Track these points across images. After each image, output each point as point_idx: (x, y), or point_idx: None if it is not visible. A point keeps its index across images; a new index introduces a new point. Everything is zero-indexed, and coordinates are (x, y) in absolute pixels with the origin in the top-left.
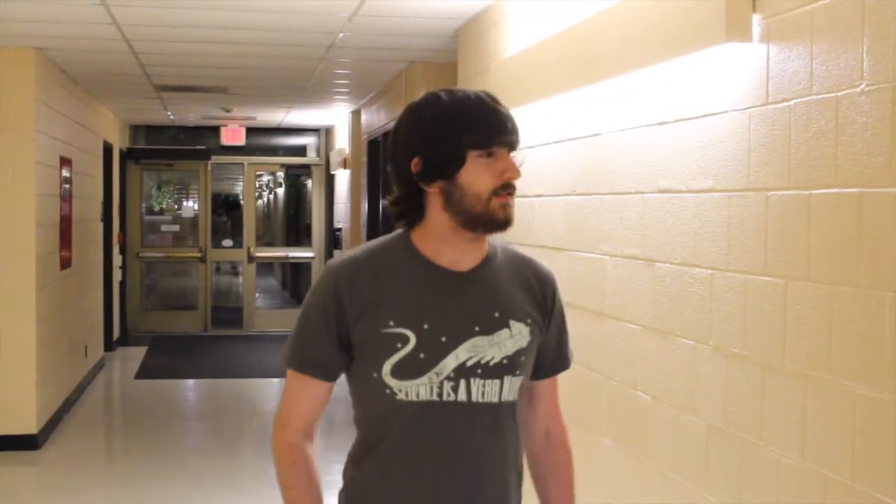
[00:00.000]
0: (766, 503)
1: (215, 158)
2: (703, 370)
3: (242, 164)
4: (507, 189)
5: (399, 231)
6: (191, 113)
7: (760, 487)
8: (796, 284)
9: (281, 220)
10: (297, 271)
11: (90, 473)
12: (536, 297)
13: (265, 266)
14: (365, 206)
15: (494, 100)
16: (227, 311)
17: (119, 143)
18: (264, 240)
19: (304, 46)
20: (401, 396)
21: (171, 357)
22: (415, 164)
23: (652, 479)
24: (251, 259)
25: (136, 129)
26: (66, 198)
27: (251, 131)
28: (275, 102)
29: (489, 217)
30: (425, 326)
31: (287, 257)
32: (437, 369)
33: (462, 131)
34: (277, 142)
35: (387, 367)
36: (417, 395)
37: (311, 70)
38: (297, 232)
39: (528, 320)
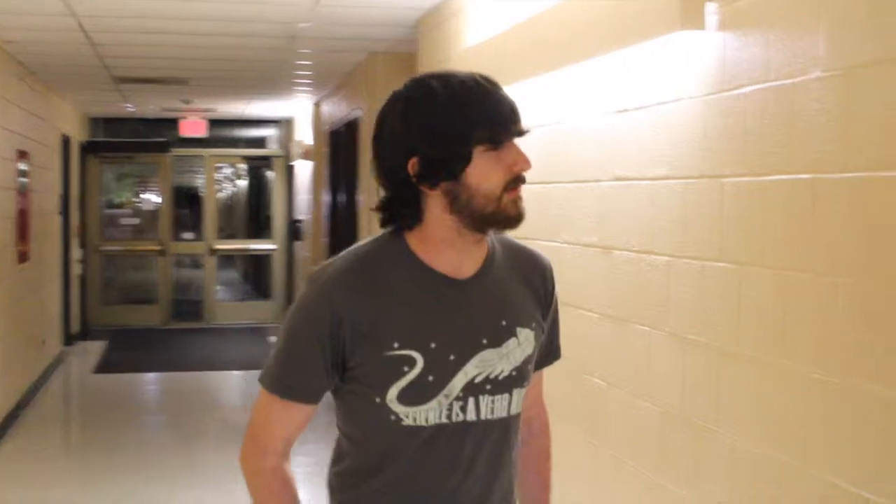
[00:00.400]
0: (721, 488)
1: (176, 150)
2: (660, 356)
3: (203, 156)
4: (518, 182)
5: (390, 233)
6: (151, 105)
7: (716, 473)
8: (752, 270)
9: (242, 212)
10: (259, 263)
11: (49, 469)
12: (538, 291)
13: (227, 258)
14: (326, 198)
15: (494, 84)
16: (188, 304)
17: (78, 135)
18: (226, 232)
19: (265, 37)
20: (408, 422)
21: (131, 350)
22: (412, 165)
23: (607, 465)
24: (212, 252)
25: (96, 122)
26: (24, 191)
27: (212, 123)
28: (236, 94)
29: (502, 215)
30: (432, 346)
31: (248, 249)
32: (446, 391)
33: (469, 127)
34: (238, 133)
35: (392, 392)
36: (426, 420)
37: (272, 61)
38: (258, 224)
39: (533, 324)
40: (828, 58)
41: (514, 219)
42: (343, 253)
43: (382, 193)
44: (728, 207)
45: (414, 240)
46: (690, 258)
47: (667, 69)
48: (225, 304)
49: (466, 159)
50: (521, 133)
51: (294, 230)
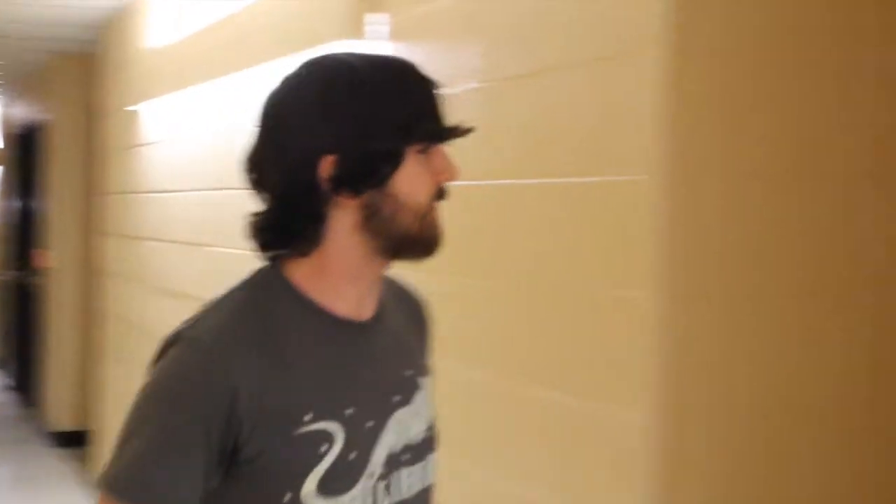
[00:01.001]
0: None
1: None
2: None
3: None
4: (442, 196)
5: (266, 269)
6: None
7: None
8: (425, 276)
9: None
10: None
11: None
12: (423, 331)
13: None
14: (12, 204)
15: (421, 68)
16: None
17: None
18: None
19: None
20: None
21: None
22: (326, 165)
23: None
24: None
25: None
26: None
27: None
28: None
29: (426, 238)
30: (349, 412)
31: None
32: (369, 469)
33: (410, 119)
34: None
35: (310, 484)
36: None
37: None
38: None
39: (428, 368)
40: (482, 69)
41: (436, 243)
42: (213, 304)
43: (261, 205)
44: None
45: (300, 272)
46: None
47: None
48: None
49: (398, 160)
50: (462, 132)
51: None
